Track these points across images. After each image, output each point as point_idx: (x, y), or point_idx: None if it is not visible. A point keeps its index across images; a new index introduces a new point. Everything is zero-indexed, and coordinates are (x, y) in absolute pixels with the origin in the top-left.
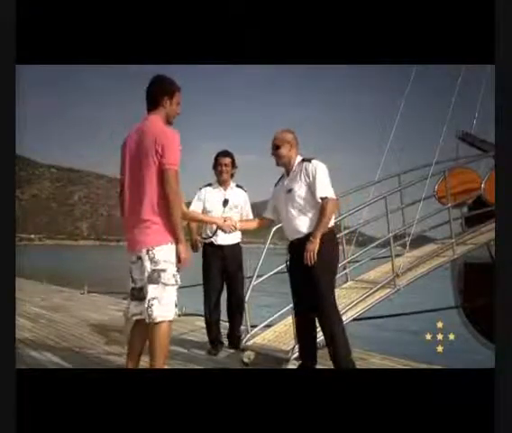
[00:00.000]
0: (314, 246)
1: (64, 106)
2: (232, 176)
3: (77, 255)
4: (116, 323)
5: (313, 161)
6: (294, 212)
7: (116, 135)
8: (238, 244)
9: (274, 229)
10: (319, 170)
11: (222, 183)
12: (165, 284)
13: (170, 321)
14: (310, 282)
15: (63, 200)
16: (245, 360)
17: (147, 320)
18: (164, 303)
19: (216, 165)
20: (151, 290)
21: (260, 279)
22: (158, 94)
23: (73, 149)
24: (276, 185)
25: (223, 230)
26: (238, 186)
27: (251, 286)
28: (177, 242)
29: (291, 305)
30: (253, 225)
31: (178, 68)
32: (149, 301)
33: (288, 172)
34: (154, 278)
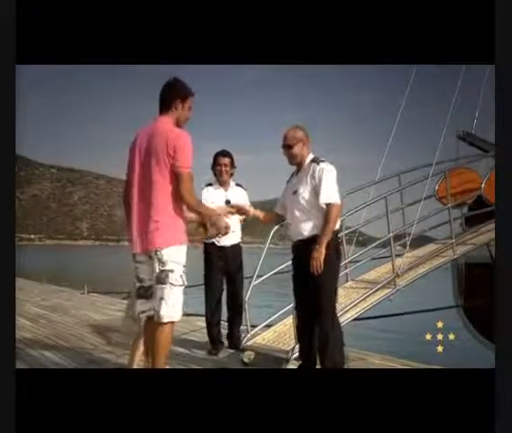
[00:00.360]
0: (320, 254)
1: (64, 106)
2: (231, 176)
3: (77, 255)
4: (116, 323)
5: (321, 164)
6: (298, 213)
7: (117, 136)
8: (238, 244)
9: (274, 229)
10: (325, 173)
11: (222, 183)
12: (172, 285)
13: (173, 322)
14: (311, 285)
15: (63, 200)
16: (245, 360)
17: (155, 319)
18: (171, 304)
19: (215, 165)
20: (159, 291)
21: (260, 279)
22: (171, 96)
23: (73, 149)
24: (288, 182)
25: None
26: (237, 184)
27: (251, 286)
28: (216, 222)
29: (291, 305)
30: (262, 215)
31: (178, 67)
32: (156, 301)
33: (298, 171)
34: (162, 278)
